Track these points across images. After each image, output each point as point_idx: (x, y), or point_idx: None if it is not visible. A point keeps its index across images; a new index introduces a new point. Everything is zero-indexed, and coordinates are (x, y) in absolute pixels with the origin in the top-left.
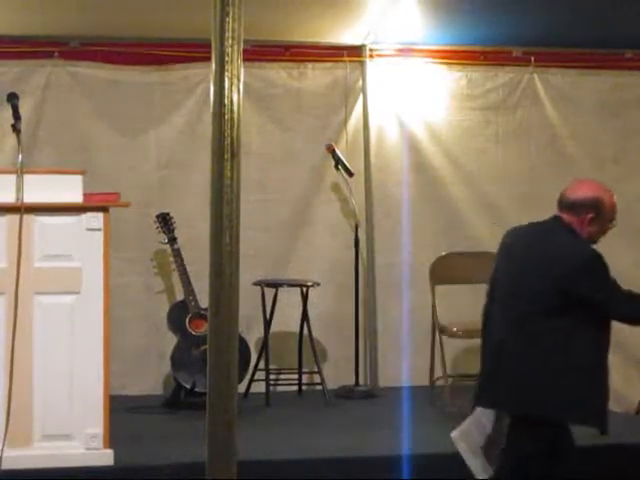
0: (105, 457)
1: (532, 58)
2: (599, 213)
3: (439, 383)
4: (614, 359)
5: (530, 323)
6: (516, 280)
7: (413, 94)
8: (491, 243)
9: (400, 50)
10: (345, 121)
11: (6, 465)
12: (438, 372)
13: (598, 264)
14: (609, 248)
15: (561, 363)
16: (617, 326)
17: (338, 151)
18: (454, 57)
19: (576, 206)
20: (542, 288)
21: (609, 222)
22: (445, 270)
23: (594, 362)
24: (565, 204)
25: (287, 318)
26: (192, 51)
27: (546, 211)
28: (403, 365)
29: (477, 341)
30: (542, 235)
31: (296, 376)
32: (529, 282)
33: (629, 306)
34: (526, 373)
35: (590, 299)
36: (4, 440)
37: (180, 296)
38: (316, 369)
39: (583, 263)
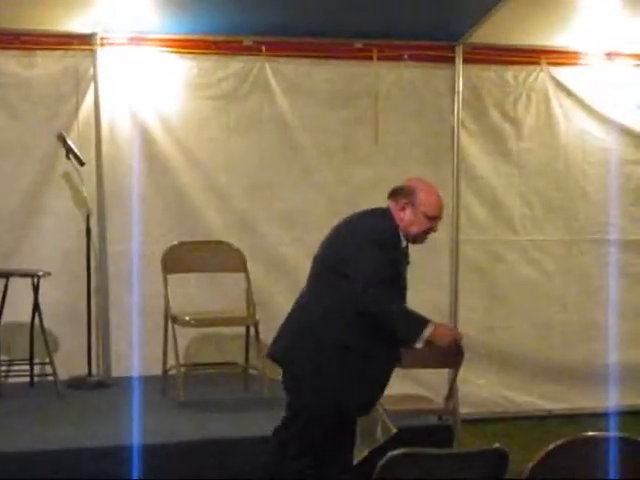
0: None
1: (263, 47)
2: (412, 201)
3: (172, 372)
4: None
5: (310, 290)
6: (318, 251)
7: (145, 83)
8: (222, 232)
9: (132, 39)
10: (76, 110)
11: None
12: (171, 361)
13: (382, 243)
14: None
15: (321, 334)
16: None
17: (69, 140)
18: (185, 46)
19: (395, 193)
20: (328, 254)
21: (424, 217)
22: (177, 259)
23: (353, 343)
24: (389, 193)
25: (18, 308)
26: None
27: (279, 199)
28: (135, 355)
29: (209, 330)
30: (358, 214)
31: (27, 367)
32: (324, 251)
33: (386, 307)
34: (292, 331)
35: (352, 272)
36: None
37: None
38: (48, 360)
39: (368, 235)
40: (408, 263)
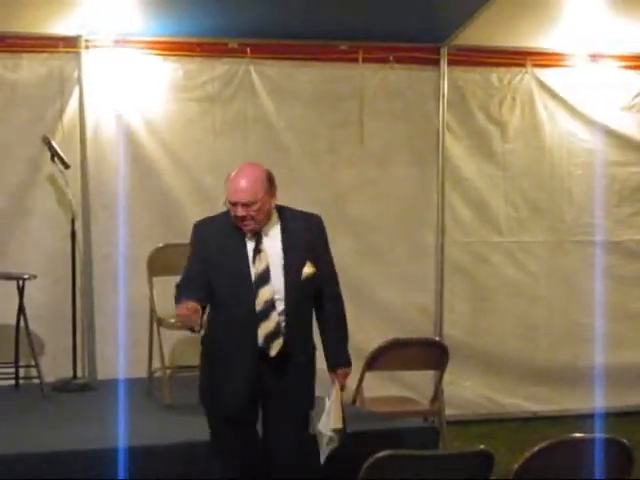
0: None
1: (248, 49)
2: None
3: (157, 375)
4: None
5: None
6: None
7: (130, 85)
8: None
9: (116, 41)
10: (61, 112)
11: None
12: (156, 364)
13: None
14: None
15: None
16: None
17: (54, 143)
18: (170, 48)
19: None
20: None
21: (229, 203)
22: (162, 261)
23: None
24: None
25: (3, 311)
26: None
27: None
28: (120, 357)
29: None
30: None
31: (12, 370)
32: None
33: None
34: None
35: None
36: None
37: None
38: (33, 362)
39: None
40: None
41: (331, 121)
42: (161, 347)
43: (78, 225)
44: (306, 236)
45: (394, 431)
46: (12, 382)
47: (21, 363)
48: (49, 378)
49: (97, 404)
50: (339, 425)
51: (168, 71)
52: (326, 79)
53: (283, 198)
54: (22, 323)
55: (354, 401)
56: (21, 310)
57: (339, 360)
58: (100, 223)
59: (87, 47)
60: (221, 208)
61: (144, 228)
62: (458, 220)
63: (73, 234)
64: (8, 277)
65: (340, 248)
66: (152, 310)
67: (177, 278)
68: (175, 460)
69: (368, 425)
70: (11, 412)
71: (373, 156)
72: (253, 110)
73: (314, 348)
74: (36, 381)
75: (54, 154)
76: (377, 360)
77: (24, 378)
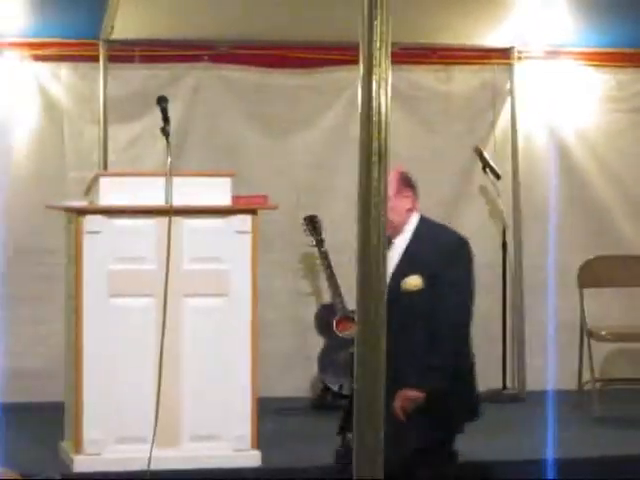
0: (252, 458)
1: None
2: None
3: (587, 387)
4: None
5: None
6: None
7: (562, 97)
8: None
9: (548, 52)
10: (493, 124)
11: (155, 465)
12: (586, 376)
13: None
14: None
15: None
16: None
17: (486, 153)
18: (603, 59)
19: None
20: None
21: None
22: (593, 273)
23: None
24: None
25: None
26: (339, 54)
27: None
28: (549, 368)
29: (626, 345)
30: None
31: None
32: None
33: None
34: None
35: None
36: (153, 440)
37: (327, 298)
38: None
39: None
40: None
41: None
42: (591, 359)
43: (509, 236)
44: None
45: None
46: None
47: None
48: (478, 388)
49: (526, 415)
50: None
51: (599, 82)
52: None
53: None
54: None
55: None
56: None
57: None
58: (531, 234)
59: (519, 58)
60: None
61: (575, 239)
62: None
63: (504, 245)
64: None
65: None
66: (582, 321)
67: (608, 290)
68: (604, 474)
69: None
70: None
71: None
72: None
73: None
74: None
75: (485, 165)
76: None
77: None
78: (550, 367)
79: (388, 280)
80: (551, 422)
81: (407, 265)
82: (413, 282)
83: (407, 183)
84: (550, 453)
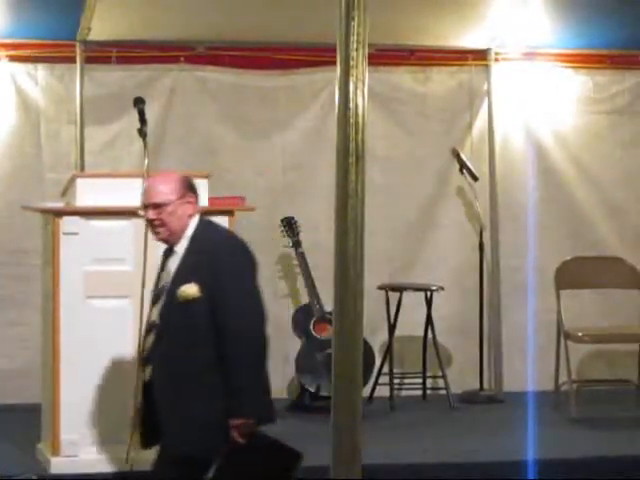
0: None
1: None
2: None
3: (564, 388)
4: None
5: None
6: None
7: (539, 98)
8: (617, 248)
9: (525, 54)
10: (470, 125)
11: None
12: (563, 377)
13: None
14: None
15: None
16: None
17: (463, 155)
18: (579, 61)
19: None
20: None
21: None
22: (570, 274)
23: None
24: None
25: (411, 322)
26: (317, 55)
27: None
28: (528, 370)
29: (602, 346)
30: None
31: (420, 380)
32: None
33: None
34: None
35: None
36: (130, 442)
37: (305, 300)
38: (440, 373)
39: None
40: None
41: None
42: (568, 360)
43: (486, 237)
44: None
45: None
46: (419, 392)
47: (428, 374)
48: (455, 389)
49: (504, 416)
50: None
51: (577, 83)
52: None
53: None
54: (430, 334)
55: None
56: (429, 321)
57: None
58: (508, 235)
59: (497, 60)
60: (629, 221)
61: (552, 241)
62: None
63: (481, 246)
64: (417, 288)
65: None
66: (559, 323)
67: (585, 292)
68: (581, 474)
69: None
70: (419, 422)
71: None
72: None
73: None
74: (442, 392)
75: (463, 166)
76: None
77: (431, 389)
78: (529, 368)
79: (166, 291)
80: (529, 423)
81: (183, 273)
82: (189, 290)
83: (190, 188)
84: (528, 454)
